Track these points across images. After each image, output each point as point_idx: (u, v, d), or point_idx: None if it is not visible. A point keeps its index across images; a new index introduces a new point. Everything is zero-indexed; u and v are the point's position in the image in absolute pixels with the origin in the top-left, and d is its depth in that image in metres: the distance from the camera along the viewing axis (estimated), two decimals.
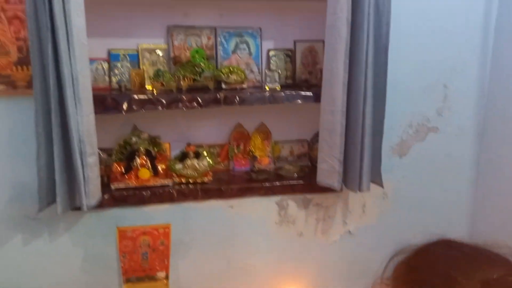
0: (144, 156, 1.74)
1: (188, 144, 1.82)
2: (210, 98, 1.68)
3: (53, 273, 1.77)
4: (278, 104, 1.75)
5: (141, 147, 1.73)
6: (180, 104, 1.65)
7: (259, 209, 1.89)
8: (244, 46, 1.87)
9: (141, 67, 1.78)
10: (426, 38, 1.92)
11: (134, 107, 1.61)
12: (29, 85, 1.57)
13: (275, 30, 1.91)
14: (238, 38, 1.86)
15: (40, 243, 1.74)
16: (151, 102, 1.63)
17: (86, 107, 1.49)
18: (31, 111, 1.49)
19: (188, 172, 1.78)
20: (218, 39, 1.84)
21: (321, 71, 1.79)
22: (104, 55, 1.76)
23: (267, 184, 1.85)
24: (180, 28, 1.80)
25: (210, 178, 1.82)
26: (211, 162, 1.81)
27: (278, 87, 1.81)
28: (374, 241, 2.05)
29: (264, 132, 1.97)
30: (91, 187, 1.56)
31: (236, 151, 1.95)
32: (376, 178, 1.83)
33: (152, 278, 1.82)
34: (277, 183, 1.86)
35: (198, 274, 1.90)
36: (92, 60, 1.67)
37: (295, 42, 1.92)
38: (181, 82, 1.73)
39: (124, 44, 1.77)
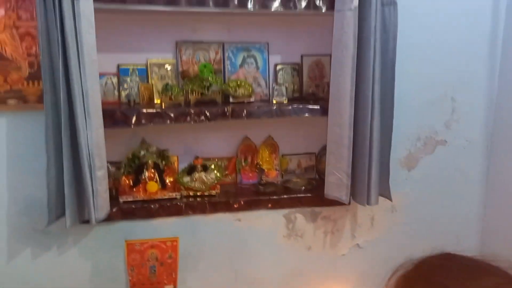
0: (152, 169, 1.75)
1: (196, 157, 1.83)
2: (218, 111, 1.69)
3: (62, 286, 1.77)
4: (286, 117, 1.76)
5: (149, 160, 1.75)
6: (188, 118, 1.67)
7: (267, 222, 1.89)
8: (252, 60, 1.89)
9: (150, 81, 1.80)
10: (433, 51, 1.92)
11: (143, 120, 1.63)
12: (39, 99, 1.60)
13: (282, 44, 1.92)
14: (246, 52, 1.88)
15: (49, 256, 1.75)
16: (160, 116, 1.64)
17: (95, 121, 1.51)
18: (42, 125, 1.51)
19: (196, 185, 1.79)
20: (226, 53, 1.86)
21: (328, 84, 1.80)
22: (113, 69, 1.78)
23: (274, 197, 1.85)
24: (188, 43, 1.83)
25: (218, 191, 1.83)
26: (218, 175, 1.81)
27: (285, 101, 1.82)
28: (383, 254, 2.03)
29: (272, 145, 1.97)
30: (99, 201, 1.57)
31: (243, 164, 1.96)
32: (385, 191, 1.83)
33: None
34: (285, 196, 1.86)
35: None
36: (101, 75, 1.69)
37: (302, 56, 1.94)
38: (189, 96, 1.75)
39: (133, 59, 1.80)
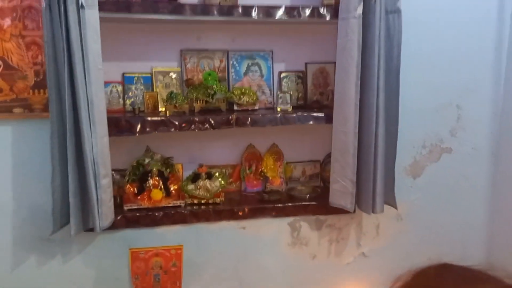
0: (156, 177, 1.76)
1: (200, 165, 1.83)
2: (222, 119, 1.69)
3: None
4: (290, 125, 1.76)
5: (154, 168, 1.75)
6: (193, 126, 1.67)
7: (271, 230, 1.88)
8: (256, 68, 1.90)
9: (154, 89, 1.81)
10: (438, 59, 1.92)
11: (147, 129, 1.63)
12: (45, 108, 1.61)
13: (286, 52, 1.93)
14: (250, 60, 1.89)
15: (53, 264, 1.75)
16: (164, 124, 1.65)
17: (100, 129, 1.52)
18: (47, 134, 1.52)
19: (200, 193, 1.78)
20: (230, 61, 1.87)
21: (332, 92, 1.80)
22: (118, 78, 1.79)
23: (279, 205, 1.84)
24: (193, 51, 1.83)
25: (222, 198, 1.82)
26: (223, 182, 1.81)
27: (289, 109, 1.82)
28: (388, 263, 2.01)
29: (276, 152, 1.97)
30: (104, 209, 1.57)
31: (248, 172, 1.95)
32: (390, 199, 1.82)
33: None
34: (290, 204, 1.85)
35: None
36: (106, 83, 1.70)
37: (306, 64, 1.94)
38: (194, 104, 1.75)
39: (138, 67, 1.81)
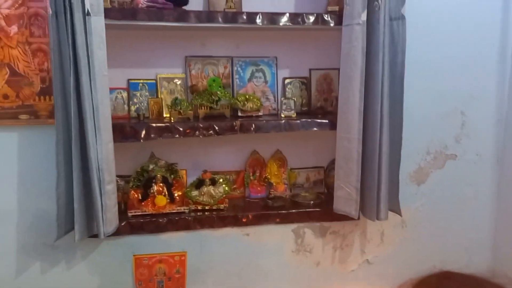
0: (161, 183, 1.76)
1: (205, 171, 1.83)
2: (227, 125, 1.70)
3: None
4: (294, 131, 1.76)
5: (158, 174, 1.75)
6: (197, 132, 1.67)
7: (275, 237, 1.88)
8: (260, 74, 1.90)
9: (159, 95, 1.82)
10: (442, 66, 1.92)
11: (152, 135, 1.64)
12: (51, 114, 1.62)
13: (290, 58, 1.93)
14: (254, 67, 1.90)
15: (57, 270, 1.75)
16: (169, 130, 1.65)
17: (105, 135, 1.52)
18: (53, 140, 1.52)
19: (204, 199, 1.78)
20: (235, 68, 1.88)
21: (336, 98, 1.80)
22: (123, 84, 1.80)
23: (283, 212, 1.84)
24: (197, 58, 1.84)
25: (226, 205, 1.82)
26: (227, 189, 1.81)
27: (293, 115, 1.82)
28: (393, 270, 1.99)
29: (280, 159, 1.97)
30: (108, 215, 1.57)
31: (252, 178, 1.95)
32: (394, 206, 1.81)
33: None
34: (293, 211, 1.85)
35: None
36: (112, 90, 1.71)
37: (310, 70, 1.94)
38: (198, 110, 1.76)
39: (143, 74, 1.81)
